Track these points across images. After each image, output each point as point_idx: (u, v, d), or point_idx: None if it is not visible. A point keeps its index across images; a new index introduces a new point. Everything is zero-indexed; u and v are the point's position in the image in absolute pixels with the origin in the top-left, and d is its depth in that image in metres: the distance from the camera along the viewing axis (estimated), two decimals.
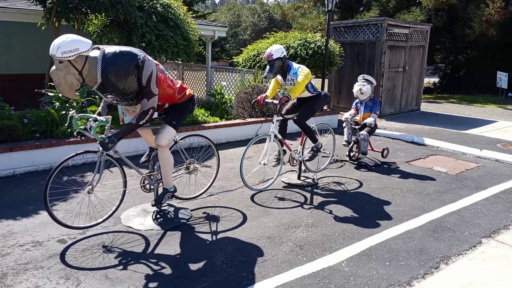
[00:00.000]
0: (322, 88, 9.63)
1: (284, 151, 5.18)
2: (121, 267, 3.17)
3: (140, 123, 3.43)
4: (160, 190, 4.13)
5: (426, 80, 21.93)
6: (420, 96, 12.51)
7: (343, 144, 6.25)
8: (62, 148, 5.56)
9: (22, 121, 5.71)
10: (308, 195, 4.92)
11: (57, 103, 6.19)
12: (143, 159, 4.18)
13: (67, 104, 6.26)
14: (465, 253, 3.57)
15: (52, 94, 6.26)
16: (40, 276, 3.01)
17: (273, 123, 4.90)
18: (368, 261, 3.36)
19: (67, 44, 3.00)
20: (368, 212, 4.42)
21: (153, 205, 4.07)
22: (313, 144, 5.19)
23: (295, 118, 5.01)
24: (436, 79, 22.37)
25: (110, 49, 3.27)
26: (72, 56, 3.03)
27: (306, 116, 5.05)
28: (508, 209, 4.60)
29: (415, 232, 3.94)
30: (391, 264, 3.33)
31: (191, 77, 13.03)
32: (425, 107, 13.30)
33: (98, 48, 3.28)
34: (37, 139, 5.63)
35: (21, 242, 3.51)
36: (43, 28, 7.88)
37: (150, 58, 3.39)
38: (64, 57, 3.00)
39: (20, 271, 3.06)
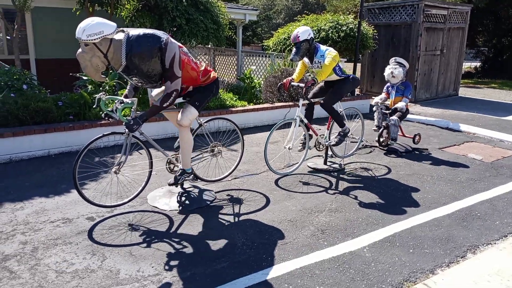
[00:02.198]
0: (354, 72, 9.39)
1: (310, 136, 5.11)
2: (145, 244, 3.27)
3: (163, 105, 3.47)
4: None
5: (467, 64, 21.04)
6: (458, 80, 12.00)
7: (373, 129, 6.10)
8: (94, 130, 5.73)
9: (56, 104, 5.93)
10: (333, 180, 4.86)
11: (90, 87, 6.37)
12: (176, 144, 4.24)
13: (100, 88, 6.44)
14: (495, 243, 3.43)
15: (86, 78, 6.44)
16: (68, 251, 3.15)
17: (298, 107, 4.84)
18: (391, 248, 3.30)
19: (92, 27, 3.06)
20: (395, 199, 4.32)
21: (169, 184, 4.08)
22: (340, 129, 5.10)
23: (322, 102, 4.93)
24: (478, 64, 21.33)
25: (134, 32, 3.31)
26: (97, 38, 3.08)
27: (333, 100, 4.96)
28: None
29: (442, 220, 3.82)
30: (415, 251, 3.26)
31: (222, 62, 13.06)
32: (464, 92, 12.76)
33: (123, 31, 3.32)
34: (70, 121, 5.84)
35: (52, 219, 3.67)
36: (77, 13, 8.08)
37: (173, 40, 3.41)
38: (89, 40, 3.07)
39: (50, 246, 3.21)
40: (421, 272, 2.97)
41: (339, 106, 5.24)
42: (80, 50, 3.17)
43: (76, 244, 3.26)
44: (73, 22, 9.00)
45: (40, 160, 5.30)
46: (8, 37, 9.15)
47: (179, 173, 4.01)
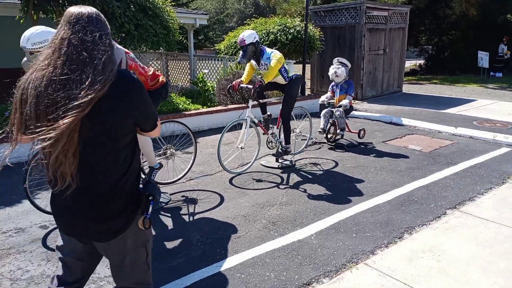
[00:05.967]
0: (304, 73, 9.75)
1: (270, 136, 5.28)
2: None
3: None
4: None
5: (412, 62, 22.18)
6: (401, 78, 12.70)
7: (318, 131, 6.37)
8: None
9: (3, 114, 5.78)
10: (284, 176, 5.09)
11: None
12: None
13: None
14: (429, 224, 3.78)
15: None
16: (22, 259, 3.16)
17: (248, 107, 5.04)
18: (336, 234, 3.56)
19: (37, 36, 3.10)
20: (341, 190, 4.61)
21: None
22: (284, 144, 5.32)
23: (281, 112, 5.18)
24: (422, 61, 22.57)
25: None
26: (42, 47, 3.12)
27: (290, 107, 5.24)
28: (475, 182, 4.82)
29: (383, 206, 4.14)
30: (357, 235, 3.53)
31: (175, 67, 13.06)
32: (407, 88, 13.50)
33: None
34: None
35: (4, 229, 3.64)
36: (21, 21, 7.87)
37: (119, 46, 3.50)
38: (34, 49, 3.10)
39: (3, 256, 3.20)
40: (363, 253, 3.24)
41: None
42: (25, 59, 3.19)
43: (30, 252, 3.27)
44: (17, 31, 8.75)
45: None
46: None
47: (148, 171, 4.10)
